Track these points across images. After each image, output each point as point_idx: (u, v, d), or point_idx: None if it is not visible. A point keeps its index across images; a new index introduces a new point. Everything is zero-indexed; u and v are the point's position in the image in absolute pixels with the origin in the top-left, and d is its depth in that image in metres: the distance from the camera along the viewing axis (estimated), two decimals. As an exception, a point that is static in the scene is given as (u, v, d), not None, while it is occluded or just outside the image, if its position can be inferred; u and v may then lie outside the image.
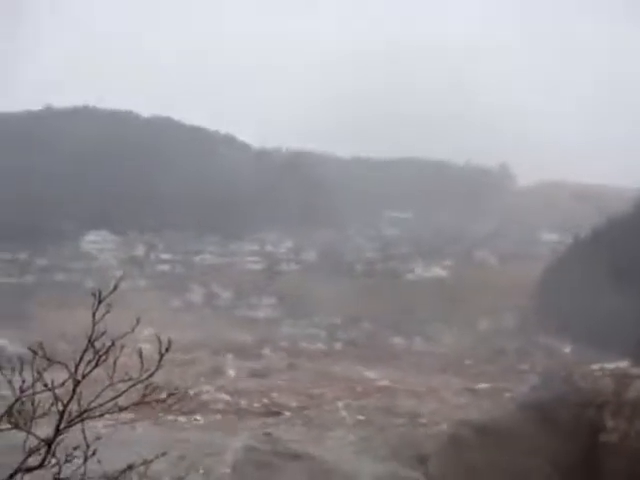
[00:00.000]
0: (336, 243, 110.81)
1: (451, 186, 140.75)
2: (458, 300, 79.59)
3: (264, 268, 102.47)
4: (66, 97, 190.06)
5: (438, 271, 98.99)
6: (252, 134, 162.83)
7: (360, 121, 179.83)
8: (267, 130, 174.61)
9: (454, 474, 23.23)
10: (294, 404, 38.72)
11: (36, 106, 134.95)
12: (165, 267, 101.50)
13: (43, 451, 7.24)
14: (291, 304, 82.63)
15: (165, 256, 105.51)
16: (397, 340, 70.80)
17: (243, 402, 39.00)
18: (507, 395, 39.46)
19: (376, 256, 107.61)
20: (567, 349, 65.57)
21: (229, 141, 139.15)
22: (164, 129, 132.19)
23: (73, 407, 7.11)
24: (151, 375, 7.39)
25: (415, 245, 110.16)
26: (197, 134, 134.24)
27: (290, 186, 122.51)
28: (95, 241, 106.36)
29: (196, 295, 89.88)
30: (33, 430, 7.03)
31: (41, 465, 7.26)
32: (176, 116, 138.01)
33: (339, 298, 78.66)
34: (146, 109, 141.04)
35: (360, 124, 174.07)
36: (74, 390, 7.06)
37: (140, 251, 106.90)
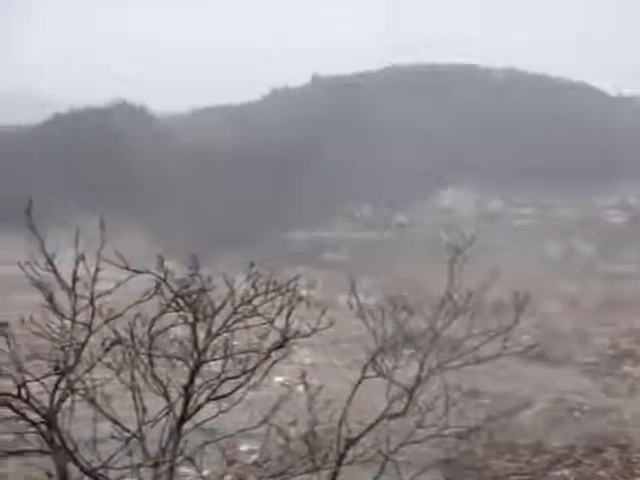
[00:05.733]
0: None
1: None
2: None
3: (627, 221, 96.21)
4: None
5: None
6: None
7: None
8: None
9: None
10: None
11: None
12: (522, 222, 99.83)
13: (405, 399, 7.51)
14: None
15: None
16: None
17: None
18: None
19: None
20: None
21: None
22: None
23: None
24: (509, 328, 7.36)
25: None
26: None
27: None
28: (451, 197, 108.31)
29: (552, 249, 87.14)
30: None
31: (404, 412, 7.53)
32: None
33: None
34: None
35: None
36: (432, 342, 7.25)
37: (496, 206, 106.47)
